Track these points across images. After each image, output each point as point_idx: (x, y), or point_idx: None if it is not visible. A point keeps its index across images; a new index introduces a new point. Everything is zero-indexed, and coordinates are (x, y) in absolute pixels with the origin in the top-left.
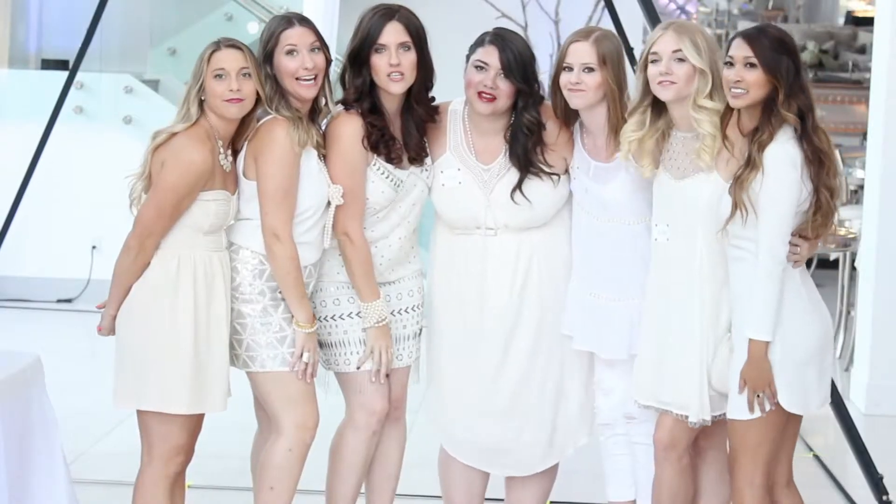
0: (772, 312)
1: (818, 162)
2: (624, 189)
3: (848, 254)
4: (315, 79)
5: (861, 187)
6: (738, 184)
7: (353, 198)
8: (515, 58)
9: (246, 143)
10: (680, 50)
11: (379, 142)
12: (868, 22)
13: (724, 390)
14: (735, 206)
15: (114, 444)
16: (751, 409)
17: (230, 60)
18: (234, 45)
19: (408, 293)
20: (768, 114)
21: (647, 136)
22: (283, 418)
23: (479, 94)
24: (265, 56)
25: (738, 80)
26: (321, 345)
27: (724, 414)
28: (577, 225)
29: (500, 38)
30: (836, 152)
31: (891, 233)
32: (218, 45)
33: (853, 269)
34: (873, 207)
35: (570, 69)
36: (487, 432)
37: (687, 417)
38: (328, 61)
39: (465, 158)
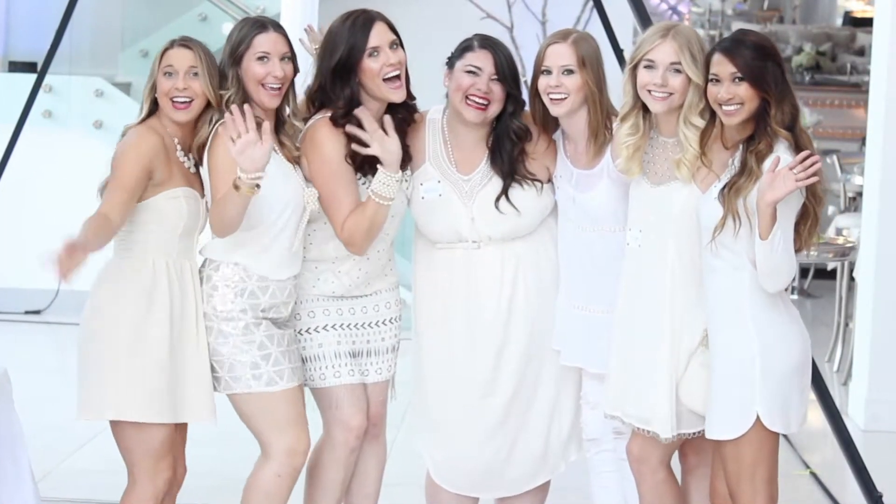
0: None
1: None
2: (606, 196)
3: (846, 263)
4: (280, 88)
5: (860, 194)
6: (734, 192)
7: (344, 197)
8: (507, 62)
9: (206, 154)
10: (679, 63)
11: (364, 163)
12: (867, 23)
13: (695, 408)
14: (726, 215)
15: (84, 462)
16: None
17: (179, 59)
18: (186, 44)
19: (385, 305)
20: (763, 124)
21: (642, 140)
22: (272, 443)
23: (468, 99)
24: (234, 59)
25: (731, 98)
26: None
27: (701, 432)
28: (563, 236)
29: (491, 43)
30: (835, 157)
31: (890, 242)
32: (171, 44)
33: (851, 279)
34: (872, 215)
35: (549, 72)
36: (477, 453)
37: (649, 432)
38: (296, 72)
39: (445, 169)
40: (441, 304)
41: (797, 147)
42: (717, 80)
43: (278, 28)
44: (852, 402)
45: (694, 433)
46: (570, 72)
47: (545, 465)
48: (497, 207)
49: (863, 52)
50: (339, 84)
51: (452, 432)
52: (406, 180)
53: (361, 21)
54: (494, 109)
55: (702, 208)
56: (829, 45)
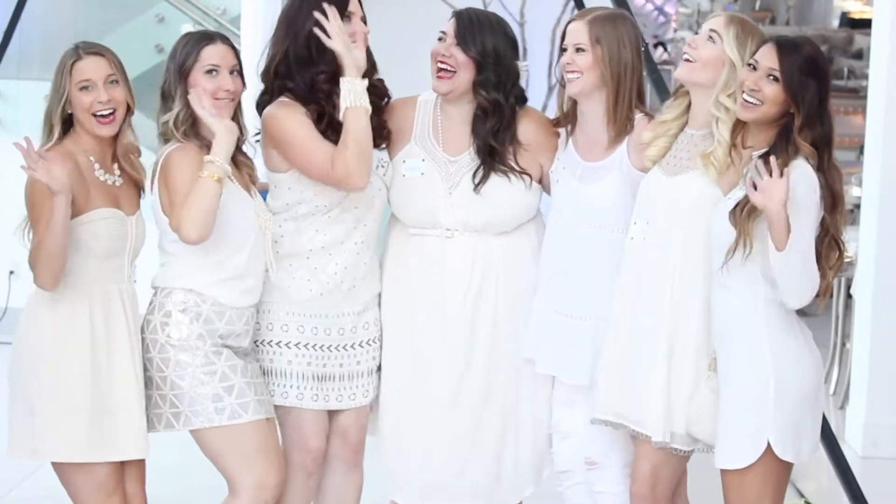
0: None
1: (831, 203)
2: (613, 190)
3: (843, 280)
4: (233, 101)
5: (857, 206)
6: (747, 212)
7: (319, 145)
8: (473, 27)
9: (156, 180)
10: (716, 31)
11: (328, 128)
12: (865, 24)
13: (703, 438)
14: (738, 238)
15: (32, 490)
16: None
17: (94, 69)
18: (95, 51)
19: (363, 326)
20: (784, 138)
21: (678, 117)
22: (240, 478)
23: (437, 66)
24: (181, 74)
25: (755, 89)
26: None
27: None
28: (551, 233)
29: (463, 11)
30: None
31: (890, 257)
32: (78, 54)
33: (849, 296)
34: (871, 229)
35: (565, 50)
36: (435, 464)
37: (642, 434)
38: (244, 86)
39: (431, 149)
40: (409, 296)
41: (818, 168)
42: (754, 68)
43: (225, 40)
44: (849, 427)
45: (684, 451)
46: (581, 50)
47: (499, 493)
48: (475, 190)
49: (861, 55)
50: (303, 66)
51: (411, 441)
52: (383, 166)
53: None
54: (461, 78)
55: (713, 223)
56: (825, 47)
